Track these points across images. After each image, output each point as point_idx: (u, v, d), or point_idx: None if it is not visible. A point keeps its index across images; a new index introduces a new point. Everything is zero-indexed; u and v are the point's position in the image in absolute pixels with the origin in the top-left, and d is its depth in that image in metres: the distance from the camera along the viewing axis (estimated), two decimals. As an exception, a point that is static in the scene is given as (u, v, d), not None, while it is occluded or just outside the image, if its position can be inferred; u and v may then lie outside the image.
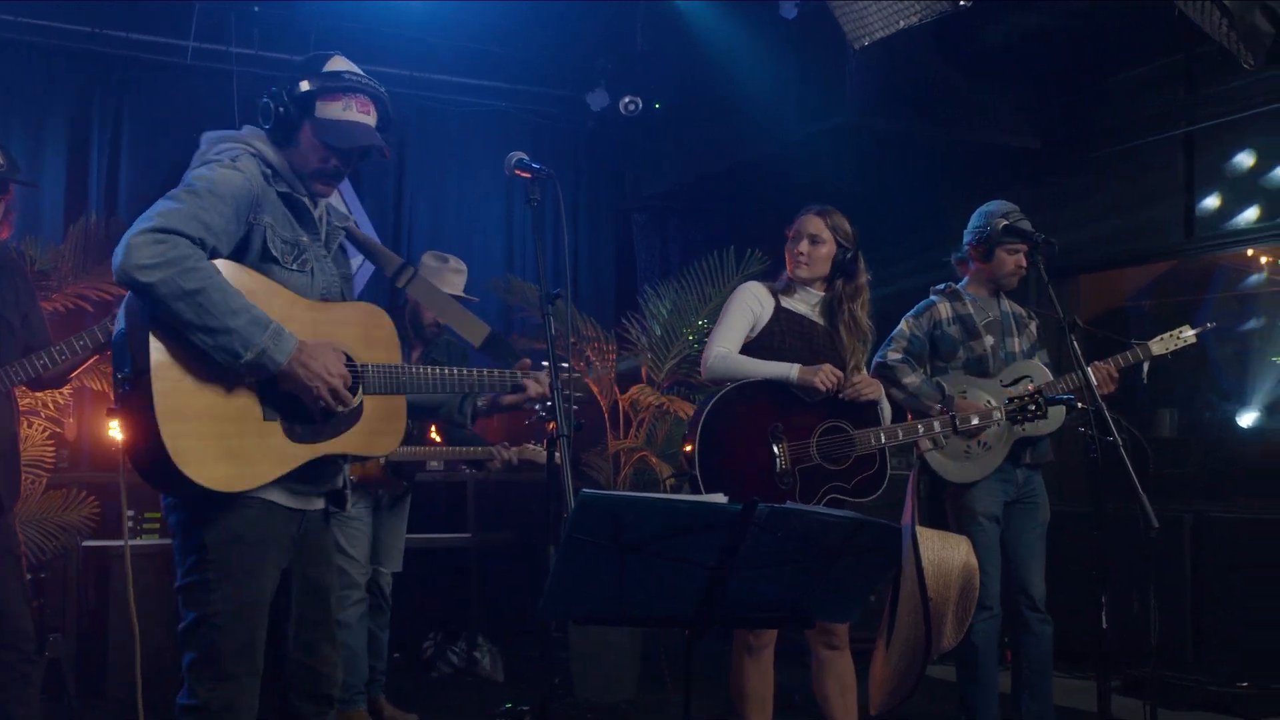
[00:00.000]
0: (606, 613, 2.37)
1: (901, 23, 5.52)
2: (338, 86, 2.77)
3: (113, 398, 2.56)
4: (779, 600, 2.46)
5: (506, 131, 7.81)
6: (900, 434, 3.86)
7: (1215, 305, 6.93)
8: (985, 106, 6.90)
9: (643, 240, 8.51)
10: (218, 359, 2.49)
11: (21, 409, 3.98)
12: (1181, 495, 6.40)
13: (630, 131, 7.86)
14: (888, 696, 2.46)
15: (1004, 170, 7.16)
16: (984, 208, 4.42)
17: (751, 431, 3.74)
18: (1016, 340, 4.41)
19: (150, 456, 2.49)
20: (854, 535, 2.34)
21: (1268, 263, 6.75)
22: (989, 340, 4.34)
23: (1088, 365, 3.92)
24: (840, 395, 3.77)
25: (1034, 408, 3.92)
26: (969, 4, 5.30)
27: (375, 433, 2.83)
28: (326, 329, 2.71)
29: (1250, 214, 6.15)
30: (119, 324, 2.59)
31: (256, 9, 6.84)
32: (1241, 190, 6.18)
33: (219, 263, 2.55)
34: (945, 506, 4.26)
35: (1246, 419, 7.06)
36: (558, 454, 2.72)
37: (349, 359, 2.73)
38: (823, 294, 3.96)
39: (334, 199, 2.98)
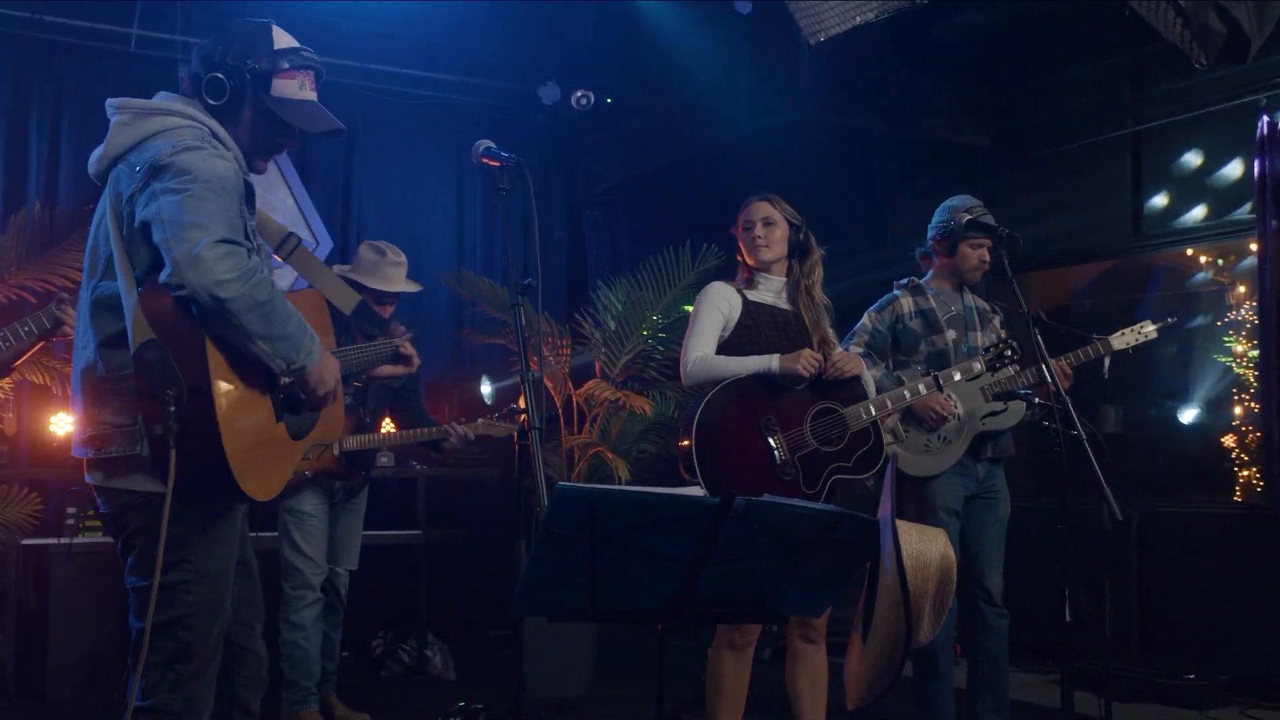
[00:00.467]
0: (581, 608, 2.33)
1: (858, 19, 5.53)
2: (296, 63, 2.72)
3: (156, 420, 2.43)
4: (752, 594, 2.43)
5: (458, 125, 7.73)
6: (889, 403, 3.85)
7: (1157, 303, 7.01)
8: (936, 103, 6.95)
9: (594, 235, 8.47)
10: (271, 365, 2.50)
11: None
12: (1127, 491, 6.47)
13: (582, 125, 7.81)
14: (866, 691, 2.45)
15: (954, 167, 7.21)
16: (947, 202, 4.43)
17: (745, 429, 3.72)
18: (980, 335, 4.42)
19: (207, 472, 2.46)
20: (829, 529, 2.32)
21: (1208, 262, 6.86)
22: (951, 335, 4.35)
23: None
24: (823, 376, 3.76)
25: (1010, 353, 3.94)
26: (925, 0, 5.31)
27: (332, 418, 2.89)
28: None
29: (1198, 213, 6.24)
30: (137, 335, 2.45)
31: (202, -4, 6.72)
32: (1189, 189, 6.27)
33: None
34: (905, 500, 4.26)
35: (1188, 416, 7.17)
36: (530, 447, 2.68)
37: None
38: (784, 279, 3.95)
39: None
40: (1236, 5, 4.49)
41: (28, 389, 5.76)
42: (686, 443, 3.69)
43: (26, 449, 6.08)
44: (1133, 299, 7.12)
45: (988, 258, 4.37)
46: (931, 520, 4.15)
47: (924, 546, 2.60)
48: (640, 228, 8.38)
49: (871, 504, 3.41)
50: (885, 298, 4.49)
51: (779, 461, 3.71)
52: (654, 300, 6.01)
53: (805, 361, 3.70)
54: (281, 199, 7.11)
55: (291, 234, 3.01)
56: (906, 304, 4.43)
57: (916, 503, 4.25)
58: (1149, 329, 4.20)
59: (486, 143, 3.05)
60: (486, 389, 6.37)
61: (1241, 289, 6.65)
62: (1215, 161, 6.14)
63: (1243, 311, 6.60)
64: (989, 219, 4.27)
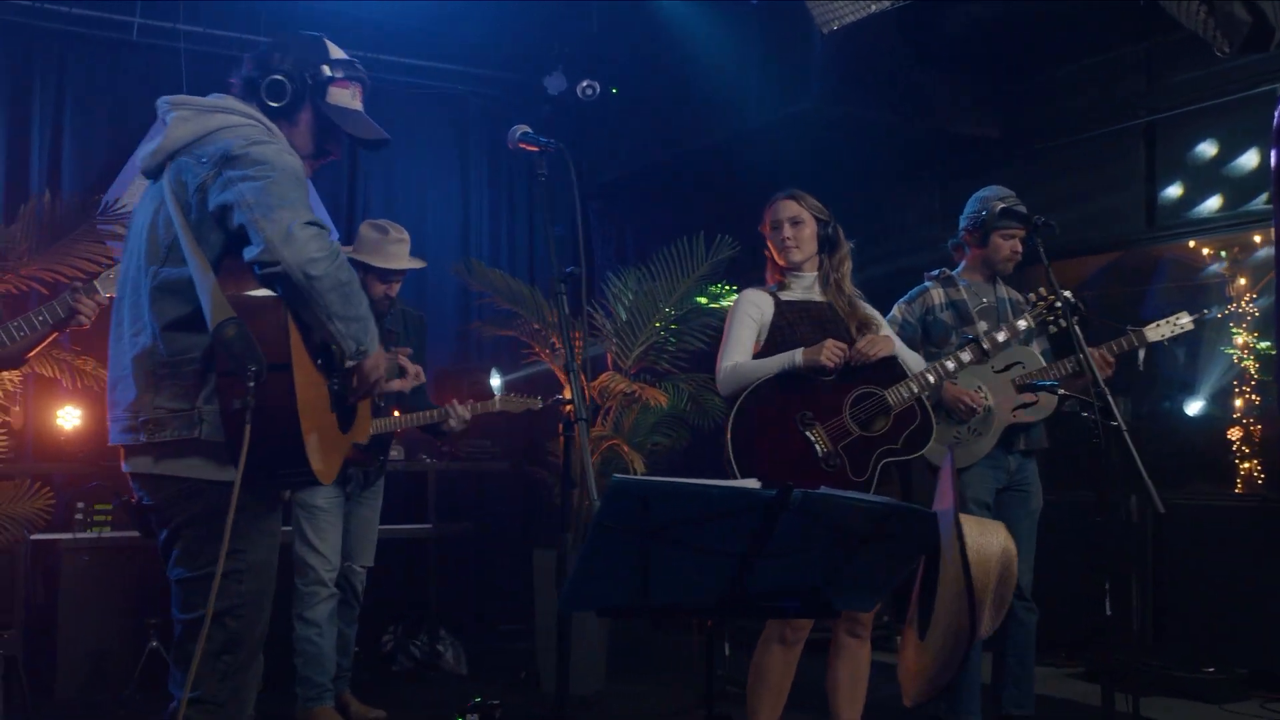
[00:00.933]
0: (630, 603, 2.28)
1: (873, 6, 5.48)
2: (350, 75, 2.84)
3: (234, 395, 2.44)
4: (804, 589, 2.39)
5: (462, 114, 7.69)
6: (931, 377, 3.75)
7: (1162, 295, 6.99)
8: (945, 95, 6.90)
9: (599, 226, 8.42)
10: (343, 345, 2.57)
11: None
12: (1123, 482, 6.45)
13: (588, 116, 7.75)
14: (925, 686, 2.41)
15: (964, 159, 7.17)
16: (979, 193, 4.39)
17: (781, 428, 3.67)
18: None
19: (281, 451, 2.48)
20: (885, 521, 2.27)
21: (1210, 254, 6.83)
22: (982, 326, 4.29)
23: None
24: (851, 364, 3.70)
25: (1058, 307, 3.87)
26: (942, -12, 5.27)
27: (364, 419, 2.93)
28: None
29: (1212, 203, 6.21)
30: (216, 313, 2.44)
31: (206, -15, 6.65)
32: (1203, 180, 6.23)
33: None
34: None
35: (1194, 408, 7.15)
36: (576, 439, 2.64)
37: None
38: (815, 274, 3.91)
39: None
40: (1262, -5, 4.45)
41: (34, 381, 5.68)
42: (725, 460, 3.65)
43: (32, 442, 6.02)
44: (1138, 291, 7.09)
45: (1019, 248, 4.33)
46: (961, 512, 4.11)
47: (984, 540, 2.56)
48: (646, 220, 8.33)
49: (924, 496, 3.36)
50: (916, 289, 4.44)
51: (821, 454, 3.65)
52: (666, 292, 5.95)
53: (829, 351, 3.65)
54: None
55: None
56: (937, 295, 4.39)
57: (946, 495, 4.21)
58: (1184, 320, 4.16)
59: (523, 128, 3.02)
60: (496, 381, 6.31)
61: (1243, 281, 6.63)
62: (1230, 152, 6.10)
63: (1244, 304, 6.58)
64: (1022, 208, 4.23)
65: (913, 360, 3.87)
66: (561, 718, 3.73)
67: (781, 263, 3.89)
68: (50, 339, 3.68)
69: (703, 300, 6.13)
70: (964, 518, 2.46)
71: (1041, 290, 3.90)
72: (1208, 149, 6.19)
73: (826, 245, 3.89)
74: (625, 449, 5.59)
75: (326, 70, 2.77)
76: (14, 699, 4.76)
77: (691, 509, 2.15)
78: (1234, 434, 6.67)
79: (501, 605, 7.19)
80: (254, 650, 2.64)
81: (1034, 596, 4.34)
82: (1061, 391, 4.06)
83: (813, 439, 3.67)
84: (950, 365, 3.83)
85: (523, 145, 3.01)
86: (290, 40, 2.83)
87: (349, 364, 2.63)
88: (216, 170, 2.52)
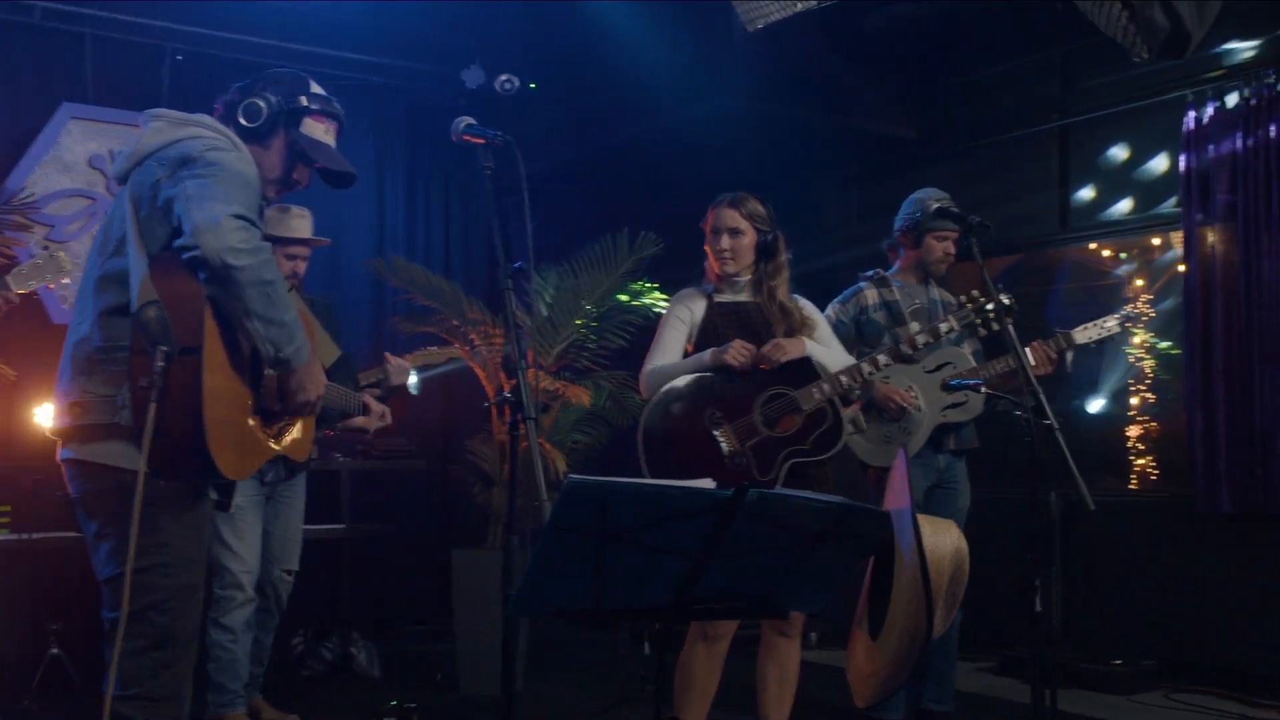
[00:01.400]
0: (581, 606, 2.23)
1: (799, 5, 5.49)
2: (326, 110, 2.96)
3: (141, 373, 2.48)
4: (753, 590, 2.36)
5: (379, 107, 7.52)
6: (845, 379, 3.75)
7: (1066, 296, 7.12)
8: (865, 95, 6.96)
9: (516, 222, 8.30)
10: (261, 347, 2.60)
11: None
12: (1044, 479, 6.54)
13: (506, 111, 7.64)
14: (880, 687, 2.39)
15: (882, 159, 7.24)
16: (914, 195, 4.42)
17: (690, 426, 3.69)
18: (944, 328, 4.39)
19: (183, 436, 2.48)
20: (839, 521, 2.25)
21: (1109, 256, 6.98)
22: (914, 327, 4.32)
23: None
24: (760, 365, 3.71)
25: (985, 314, 3.86)
26: (868, -13, 5.29)
27: (303, 440, 2.98)
28: None
29: (1123, 206, 6.34)
30: (141, 297, 2.51)
31: (111, -35, 6.40)
32: (1115, 183, 6.36)
33: None
34: (866, 490, 4.24)
35: (1094, 406, 7.30)
36: (522, 439, 2.58)
37: None
38: (750, 278, 3.91)
39: None
40: (1181, 1, 4.55)
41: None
42: (639, 449, 3.68)
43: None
44: (1043, 291, 7.22)
45: (952, 250, 4.37)
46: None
47: (937, 539, 2.55)
48: (564, 216, 8.23)
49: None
50: (850, 289, 4.46)
51: (727, 452, 3.67)
52: (589, 289, 5.89)
53: (734, 351, 3.68)
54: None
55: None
56: (871, 296, 4.40)
57: (876, 492, 4.23)
58: (1111, 323, 4.24)
59: (468, 120, 2.99)
60: (413, 379, 6.17)
61: (1139, 282, 6.78)
62: (1141, 156, 6.24)
63: (1140, 304, 6.73)
64: (956, 209, 4.26)
65: (834, 361, 3.85)
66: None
67: (716, 271, 3.88)
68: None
69: (624, 298, 6.07)
70: (919, 517, 2.45)
71: (974, 293, 3.92)
72: (1119, 153, 6.33)
73: (763, 253, 3.88)
74: (547, 446, 5.52)
75: (303, 100, 2.89)
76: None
77: (648, 510, 2.11)
78: (1131, 431, 6.83)
79: (414, 608, 7.06)
80: (188, 644, 2.65)
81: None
82: (986, 391, 4.10)
83: (719, 437, 3.67)
84: (866, 369, 3.83)
85: (467, 137, 2.97)
86: (275, 74, 2.97)
87: (268, 371, 2.68)
88: (171, 170, 2.61)
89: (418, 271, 5.87)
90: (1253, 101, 5.48)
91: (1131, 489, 6.66)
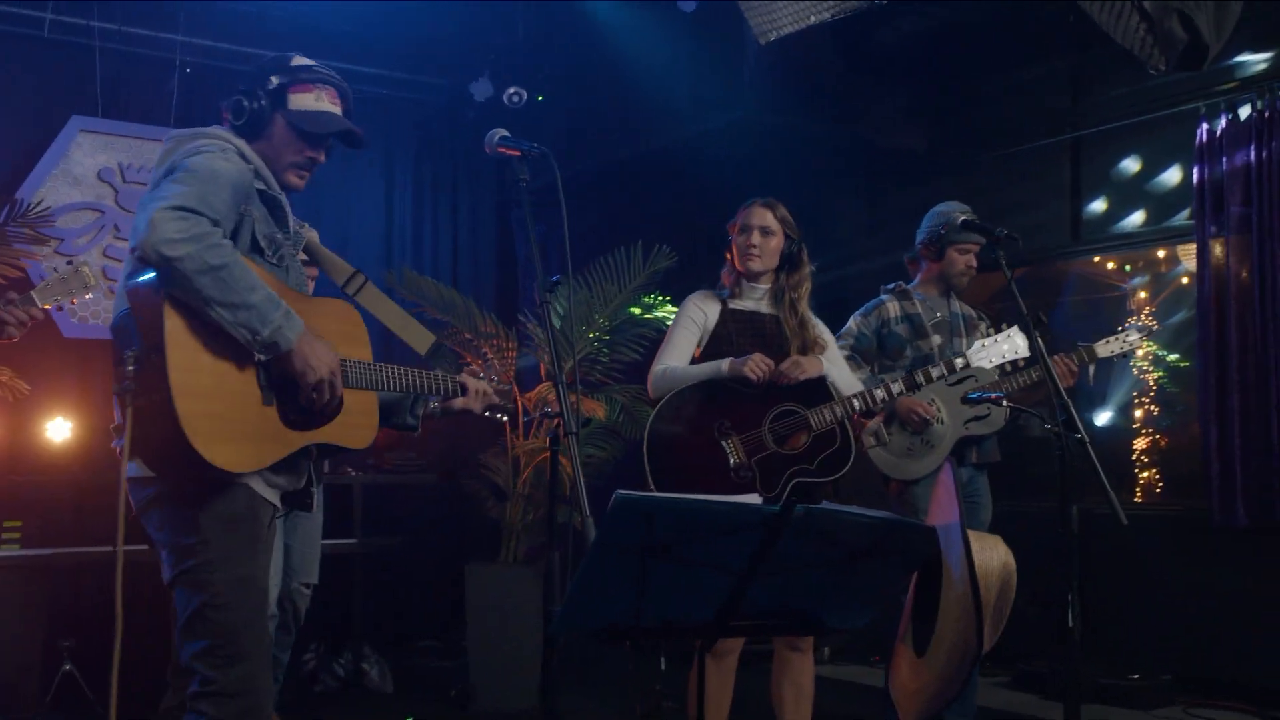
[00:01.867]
0: (624, 624, 2.20)
1: (813, 18, 5.48)
2: (308, 78, 2.89)
3: (116, 380, 2.51)
4: (796, 607, 2.34)
5: (387, 120, 7.51)
6: (858, 403, 3.74)
7: (1071, 309, 7.11)
8: (876, 107, 6.95)
9: (523, 235, 8.29)
10: (235, 335, 2.52)
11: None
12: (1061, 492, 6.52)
13: (515, 124, 7.61)
14: (928, 704, 2.36)
15: (893, 170, 7.22)
16: (936, 208, 4.41)
17: (697, 434, 3.67)
18: (965, 341, 4.37)
19: (163, 435, 2.47)
20: (886, 536, 2.23)
21: (1113, 269, 6.97)
22: (936, 340, 4.31)
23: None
24: (776, 382, 3.68)
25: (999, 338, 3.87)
26: (884, 1, 5.28)
27: (355, 425, 2.82)
28: (309, 322, 2.68)
29: (1136, 218, 6.34)
30: (119, 305, 2.59)
31: (121, -20, 6.40)
32: (1127, 195, 6.36)
33: None
34: (889, 503, 4.21)
35: (1102, 418, 7.29)
36: (563, 454, 2.55)
37: None
38: (769, 286, 3.88)
39: None
40: (1198, 13, 4.54)
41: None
42: (643, 455, 3.65)
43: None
44: (1049, 303, 7.21)
45: (974, 264, 4.36)
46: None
47: (985, 555, 2.53)
48: (575, 228, 8.18)
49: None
50: (872, 302, 4.44)
51: (733, 464, 3.65)
52: (601, 302, 5.87)
53: (753, 365, 3.64)
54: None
55: (358, 272, 3.08)
56: (893, 308, 4.39)
57: (899, 505, 4.21)
58: (1133, 337, 4.21)
59: (502, 131, 2.96)
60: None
61: (1143, 295, 6.78)
62: (1154, 168, 6.24)
63: (1145, 317, 6.72)
64: (981, 222, 4.24)
65: (846, 384, 3.84)
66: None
67: (739, 268, 3.86)
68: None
69: (636, 311, 6.05)
70: (968, 532, 2.42)
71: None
72: (1131, 165, 6.32)
73: (788, 262, 3.88)
74: (563, 461, 5.48)
75: (275, 80, 2.84)
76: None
77: (693, 526, 2.09)
78: (1138, 444, 6.82)
79: (427, 621, 7.02)
80: (256, 638, 2.63)
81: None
82: (1009, 404, 4.07)
83: (727, 449, 3.65)
84: (879, 394, 3.80)
85: (503, 149, 2.95)
86: (258, 62, 2.92)
87: (260, 357, 2.59)
88: (156, 184, 2.63)
89: (429, 284, 5.84)
90: (1266, 113, 5.48)
91: (1138, 502, 6.64)
